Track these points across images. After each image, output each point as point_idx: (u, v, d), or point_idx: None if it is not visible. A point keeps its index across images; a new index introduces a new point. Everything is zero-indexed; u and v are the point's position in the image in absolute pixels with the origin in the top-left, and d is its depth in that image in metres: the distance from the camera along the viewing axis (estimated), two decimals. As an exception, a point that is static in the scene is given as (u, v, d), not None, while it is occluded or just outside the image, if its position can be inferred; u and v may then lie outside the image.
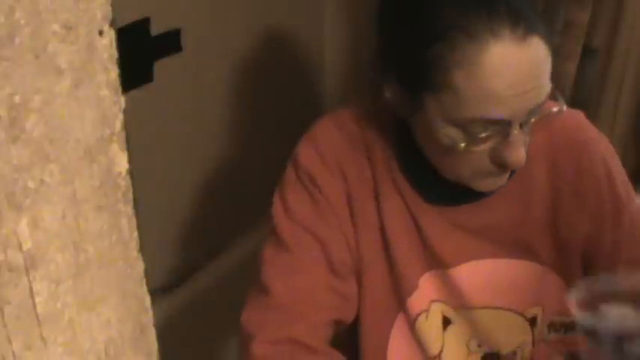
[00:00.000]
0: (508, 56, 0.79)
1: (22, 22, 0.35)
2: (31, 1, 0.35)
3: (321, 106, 2.17)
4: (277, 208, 1.01)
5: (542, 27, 0.82)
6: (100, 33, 0.39)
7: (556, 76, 1.46)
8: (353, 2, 2.03)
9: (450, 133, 0.85)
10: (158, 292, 1.66)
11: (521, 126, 0.84)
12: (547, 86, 0.84)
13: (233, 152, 1.88)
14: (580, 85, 1.48)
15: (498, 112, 0.81)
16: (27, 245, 0.38)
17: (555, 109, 0.89)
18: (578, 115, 1.02)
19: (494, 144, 0.85)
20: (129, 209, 0.44)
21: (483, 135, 0.83)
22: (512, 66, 0.80)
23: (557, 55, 1.45)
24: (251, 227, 1.96)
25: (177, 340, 1.37)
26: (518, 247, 0.97)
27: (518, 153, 0.84)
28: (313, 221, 0.96)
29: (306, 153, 0.99)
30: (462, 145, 0.84)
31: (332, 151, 0.98)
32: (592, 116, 1.53)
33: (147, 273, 0.47)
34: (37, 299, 0.39)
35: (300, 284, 0.94)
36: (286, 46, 1.96)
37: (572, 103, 1.50)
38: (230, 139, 1.86)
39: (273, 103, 1.97)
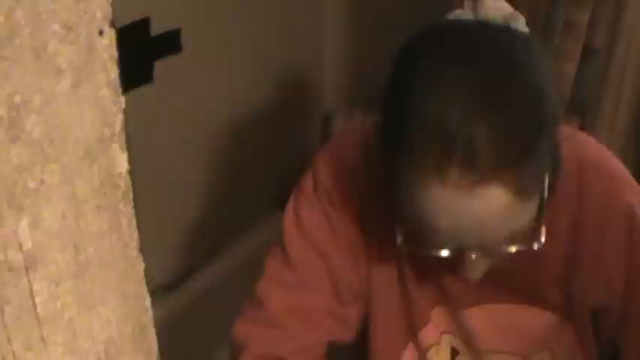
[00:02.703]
0: (452, 202, 0.70)
1: (22, 22, 0.35)
2: (31, 1, 0.35)
3: (321, 107, 2.17)
4: (289, 220, 0.95)
5: (516, 169, 0.70)
6: (100, 33, 0.39)
7: (556, 76, 1.46)
8: (353, 3, 2.03)
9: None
10: (158, 292, 1.66)
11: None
12: (506, 229, 0.75)
13: (233, 152, 1.88)
14: (580, 85, 1.48)
15: (444, 248, 0.77)
16: (27, 245, 0.38)
17: (518, 248, 0.79)
18: (619, 175, 0.90)
19: None
20: (129, 209, 0.44)
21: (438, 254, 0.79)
22: (456, 213, 0.71)
23: (558, 55, 1.46)
24: (251, 227, 1.96)
25: (177, 340, 1.37)
26: (530, 295, 0.93)
27: (472, 273, 0.80)
28: (325, 241, 0.93)
29: (326, 169, 0.93)
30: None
31: (354, 173, 0.91)
32: (592, 116, 1.53)
33: (147, 273, 0.47)
34: (37, 299, 0.39)
35: (297, 304, 0.92)
36: (286, 46, 1.96)
37: (572, 103, 1.51)
38: (230, 139, 1.86)
39: (273, 104, 1.97)
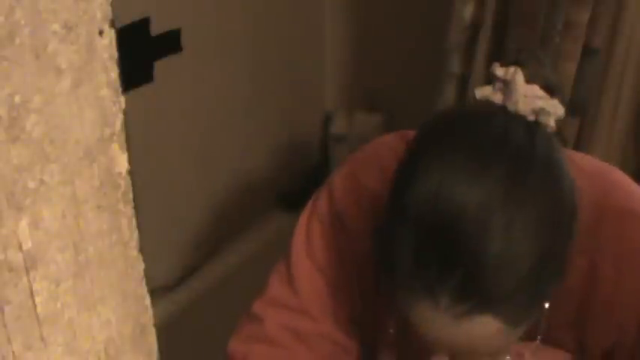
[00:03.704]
0: (443, 324, 0.69)
1: (22, 22, 0.35)
2: (31, 1, 0.35)
3: (321, 107, 2.17)
4: (299, 239, 0.92)
5: (513, 301, 0.68)
6: (100, 33, 0.39)
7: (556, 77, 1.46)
8: (353, 3, 2.03)
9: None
10: (158, 292, 1.66)
11: None
12: (500, 345, 0.73)
13: (233, 152, 1.88)
14: (580, 85, 1.48)
15: (436, 350, 0.75)
16: (27, 245, 0.38)
17: None
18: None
19: None
20: (129, 209, 0.44)
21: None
22: (446, 334, 0.70)
23: (558, 55, 1.46)
24: (251, 227, 1.96)
25: (177, 340, 1.37)
26: (542, 338, 0.88)
27: None
28: (332, 267, 0.90)
29: (344, 194, 0.89)
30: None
31: (373, 205, 0.84)
32: (592, 116, 1.53)
33: (147, 273, 0.47)
34: (37, 299, 0.39)
35: (298, 327, 0.91)
36: (286, 46, 1.96)
37: (572, 103, 1.50)
38: (230, 139, 1.86)
39: (273, 104, 1.97)
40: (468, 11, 1.52)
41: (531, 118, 0.71)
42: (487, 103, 0.73)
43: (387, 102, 2.07)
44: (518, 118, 0.71)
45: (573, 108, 1.50)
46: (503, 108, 0.71)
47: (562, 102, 0.75)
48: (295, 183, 2.06)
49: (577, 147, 1.54)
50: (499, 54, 1.52)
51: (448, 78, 1.59)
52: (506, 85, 0.71)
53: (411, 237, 0.68)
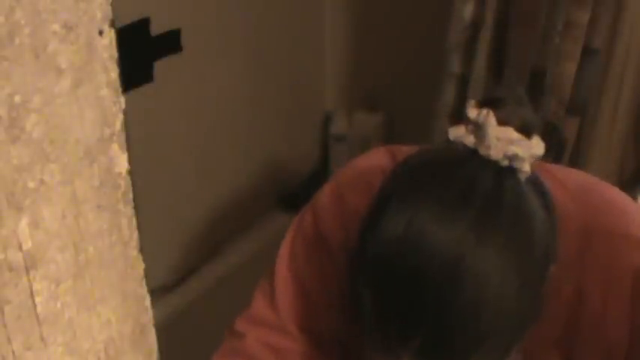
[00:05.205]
0: None
1: (22, 22, 0.35)
2: (31, 1, 0.35)
3: (321, 107, 2.17)
4: (283, 256, 0.93)
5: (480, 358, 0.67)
6: (100, 33, 0.39)
7: (556, 76, 1.46)
8: (353, 3, 2.03)
9: None
10: (158, 292, 1.66)
11: None
12: None
13: (233, 152, 1.88)
14: (580, 85, 1.48)
15: None
16: (27, 245, 0.38)
17: None
18: (632, 237, 0.81)
19: None
20: (129, 209, 0.44)
21: None
22: None
23: (558, 55, 1.46)
24: (251, 227, 1.96)
25: (177, 340, 1.37)
26: (529, 357, 0.87)
27: None
28: (314, 285, 0.91)
29: (328, 212, 0.90)
30: None
31: (356, 217, 0.81)
32: (592, 117, 1.53)
33: (147, 273, 0.47)
34: (37, 299, 0.39)
35: (276, 343, 0.92)
36: (286, 46, 1.96)
37: (572, 103, 1.51)
38: (229, 139, 1.86)
39: (273, 104, 1.97)
40: (468, 11, 1.52)
41: (505, 162, 0.68)
42: (458, 147, 0.70)
43: (387, 102, 2.07)
44: (488, 164, 0.68)
45: (573, 108, 1.50)
46: (474, 152, 0.69)
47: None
48: (295, 183, 2.06)
49: (577, 147, 1.54)
50: (499, 54, 1.52)
51: (448, 78, 1.59)
52: (479, 128, 0.69)
53: (370, 289, 0.67)
